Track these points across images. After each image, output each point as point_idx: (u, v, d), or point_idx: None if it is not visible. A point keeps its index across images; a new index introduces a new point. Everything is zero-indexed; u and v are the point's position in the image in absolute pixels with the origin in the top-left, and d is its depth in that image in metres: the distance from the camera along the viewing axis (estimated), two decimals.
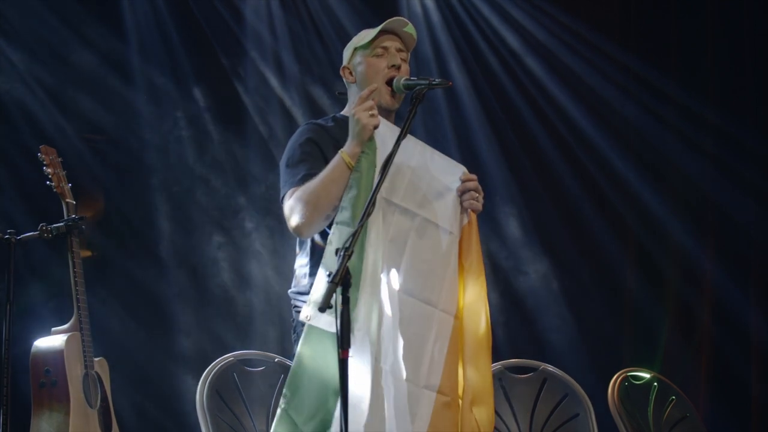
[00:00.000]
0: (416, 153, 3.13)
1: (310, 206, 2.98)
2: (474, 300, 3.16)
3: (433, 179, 3.15)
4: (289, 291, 3.27)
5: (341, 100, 3.41)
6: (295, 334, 3.21)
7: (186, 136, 5.59)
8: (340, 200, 2.97)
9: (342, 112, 3.32)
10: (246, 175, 5.66)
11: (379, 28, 3.21)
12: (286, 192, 3.08)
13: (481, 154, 5.83)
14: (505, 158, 5.83)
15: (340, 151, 2.99)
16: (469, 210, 3.19)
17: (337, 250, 2.68)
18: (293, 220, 3.01)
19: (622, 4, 5.97)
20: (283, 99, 5.71)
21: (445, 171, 3.20)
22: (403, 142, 2.91)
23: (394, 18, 3.23)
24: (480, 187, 3.20)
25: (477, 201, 3.18)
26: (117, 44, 5.54)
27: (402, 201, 3.05)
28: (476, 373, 3.10)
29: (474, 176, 3.21)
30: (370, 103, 2.98)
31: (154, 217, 5.52)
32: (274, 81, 5.72)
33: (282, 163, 3.18)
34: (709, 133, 5.75)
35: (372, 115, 2.97)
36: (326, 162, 3.05)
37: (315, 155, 3.12)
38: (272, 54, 5.73)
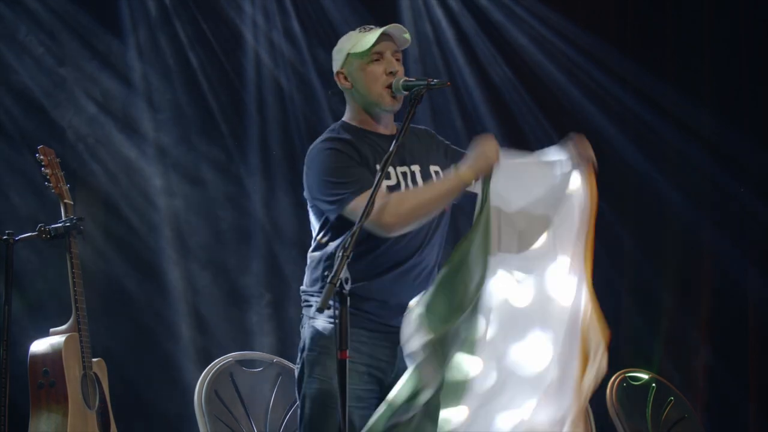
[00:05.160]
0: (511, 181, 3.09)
1: (416, 211, 3.05)
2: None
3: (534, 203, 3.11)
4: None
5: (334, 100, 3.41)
6: (303, 329, 3.23)
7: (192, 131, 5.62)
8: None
9: (345, 119, 3.30)
10: (247, 174, 5.66)
11: (376, 35, 3.19)
12: (352, 195, 3.05)
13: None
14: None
15: (455, 169, 3.06)
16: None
17: (337, 251, 2.73)
18: (386, 216, 3.00)
19: (619, 7, 5.98)
20: (287, 98, 5.72)
21: (545, 176, 3.13)
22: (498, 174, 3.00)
23: (391, 25, 3.22)
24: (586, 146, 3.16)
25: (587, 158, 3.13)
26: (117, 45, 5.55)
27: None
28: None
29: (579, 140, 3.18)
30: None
31: (154, 215, 5.52)
32: (278, 78, 5.74)
33: (318, 178, 3.14)
34: (705, 138, 5.76)
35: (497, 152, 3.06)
36: (368, 169, 3.11)
37: (355, 157, 3.13)
38: (277, 52, 5.74)
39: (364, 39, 3.21)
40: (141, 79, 5.56)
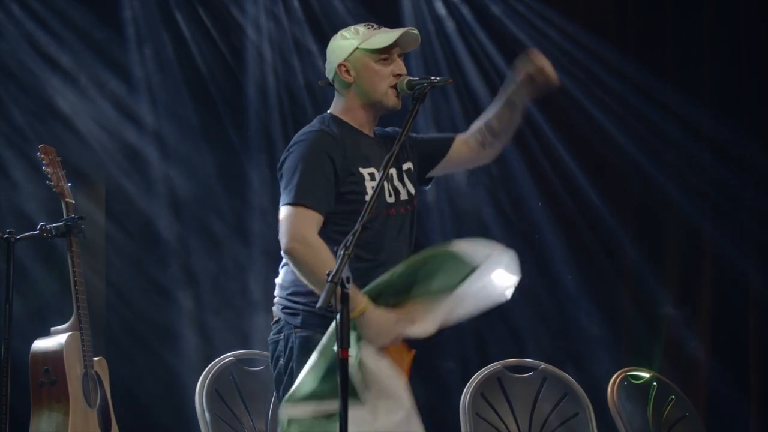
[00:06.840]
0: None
1: (309, 273, 3.00)
2: None
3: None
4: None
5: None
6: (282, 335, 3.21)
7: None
8: None
9: (334, 112, 3.26)
10: (248, 178, 5.67)
11: (395, 36, 3.19)
12: (296, 203, 3.05)
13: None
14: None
15: (364, 297, 2.96)
16: None
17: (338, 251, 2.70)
18: (295, 245, 3.01)
19: (619, 6, 5.99)
20: (284, 100, 5.72)
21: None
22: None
23: (409, 28, 3.23)
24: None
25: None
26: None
27: None
28: None
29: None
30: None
31: (156, 215, 5.53)
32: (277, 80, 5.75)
33: (292, 162, 3.13)
34: (706, 138, 5.76)
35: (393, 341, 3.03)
36: (335, 177, 3.08)
37: (329, 173, 3.10)
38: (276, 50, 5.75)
39: (379, 37, 3.19)
40: (141, 71, 5.57)
